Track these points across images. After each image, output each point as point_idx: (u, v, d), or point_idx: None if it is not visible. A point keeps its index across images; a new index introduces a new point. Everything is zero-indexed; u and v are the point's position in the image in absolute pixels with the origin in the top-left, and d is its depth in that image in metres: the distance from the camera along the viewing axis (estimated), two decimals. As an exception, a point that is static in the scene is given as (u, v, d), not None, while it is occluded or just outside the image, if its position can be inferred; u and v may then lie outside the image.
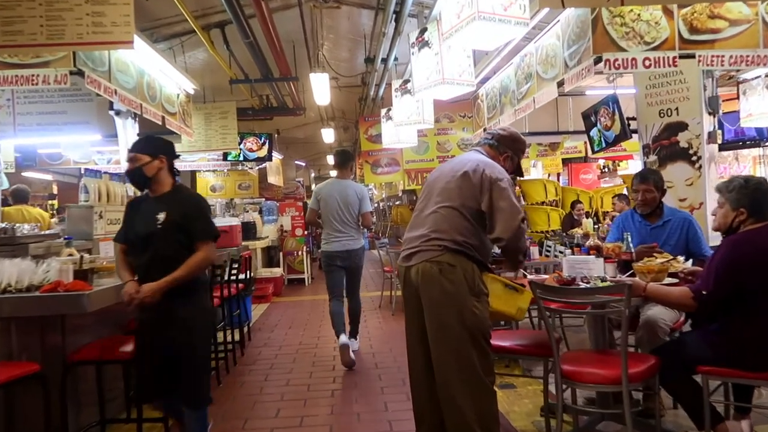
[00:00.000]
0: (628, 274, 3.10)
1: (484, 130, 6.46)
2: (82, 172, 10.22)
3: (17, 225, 3.22)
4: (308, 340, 6.04)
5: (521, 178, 10.62)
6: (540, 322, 3.71)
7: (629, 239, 3.26)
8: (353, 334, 5.47)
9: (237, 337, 5.55)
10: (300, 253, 11.09)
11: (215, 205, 13.08)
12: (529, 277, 3.47)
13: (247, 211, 10.54)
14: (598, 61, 3.73)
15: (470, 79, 4.47)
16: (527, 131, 6.99)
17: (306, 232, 11.43)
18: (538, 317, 4.12)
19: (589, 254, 3.34)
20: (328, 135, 10.96)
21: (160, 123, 5.47)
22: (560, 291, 2.73)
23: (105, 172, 4.57)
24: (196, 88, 6.50)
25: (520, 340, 3.11)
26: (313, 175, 23.01)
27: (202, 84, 8.42)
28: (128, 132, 5.38)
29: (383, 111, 7.39)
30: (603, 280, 2.85)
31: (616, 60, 3.72)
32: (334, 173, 5.79)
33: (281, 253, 10.77)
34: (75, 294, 2.80)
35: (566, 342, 4.47)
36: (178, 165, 9.39)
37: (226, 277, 5.15)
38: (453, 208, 2.71)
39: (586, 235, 7.50)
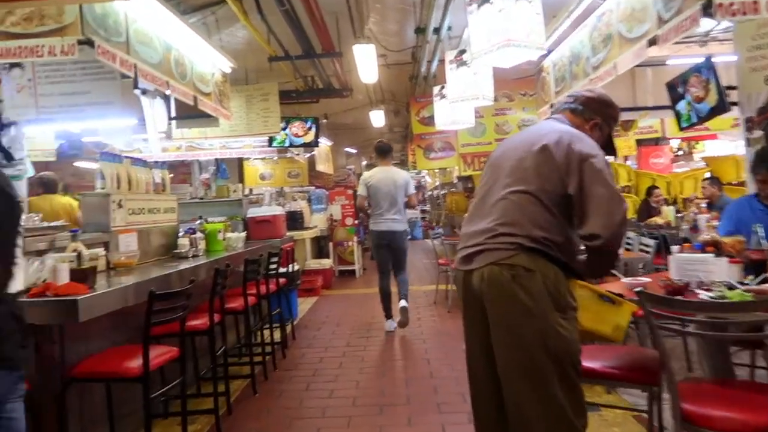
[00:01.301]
0: (760, 279, 2.35)
1: (551, 106, 5.70)
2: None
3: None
4: (356, 341, 5.50)
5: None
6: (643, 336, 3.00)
7: (761, 232, 2.51)
8: (406, 296, 5.85)
9: (278, 337, 5.07)
10: (350, 243, 10.60)
11: (264, 194, 12.80)
12: (624, 280, 2.76)
13: (295, 200, 10.10)
14: (707, 6, 2.96)
15: (540, 41, 3.75)
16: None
17: (356, 222, 10.92)
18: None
19: (704, 251, 2.60)
20: (378, 118, 10.36)
21: (191, 103, 5.00)
22: (686, 306, 2.01)
23: (127, 156, 4.09)
24: (233, 66, 6.01)
25: (614, 360, 2.42)
26: (364, 162, 22.50)
27: (244, 66, 7.99)
28: (157, 113, 4.95)
29: (436, 89, 6.73)
30: (731, 287, 2.13)
31: (732, 4, 2.94)
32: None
33: (331, 244, 10.30)
34: (64, 300, 2.32)
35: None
36: (224, 152, 9.04)
37: (264, 272, 4.67)
38: (528, 193, 2.06)
39: (667, 225, 6.65)
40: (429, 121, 8.41)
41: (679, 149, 12.28)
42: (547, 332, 1.94)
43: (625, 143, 8.82)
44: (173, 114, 6.67)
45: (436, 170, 16.11)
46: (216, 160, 10.04)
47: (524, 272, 1.97)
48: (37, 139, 6.31)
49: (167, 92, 4.61)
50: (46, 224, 3.10)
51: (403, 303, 5.76)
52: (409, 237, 6.08)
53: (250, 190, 13.62)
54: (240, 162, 11.30)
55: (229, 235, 5.07)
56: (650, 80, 6.22)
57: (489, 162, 2.32)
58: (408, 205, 5.85)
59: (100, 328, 2.88)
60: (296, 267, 6.49)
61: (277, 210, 6.54)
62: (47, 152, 6.80)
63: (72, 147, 7.81)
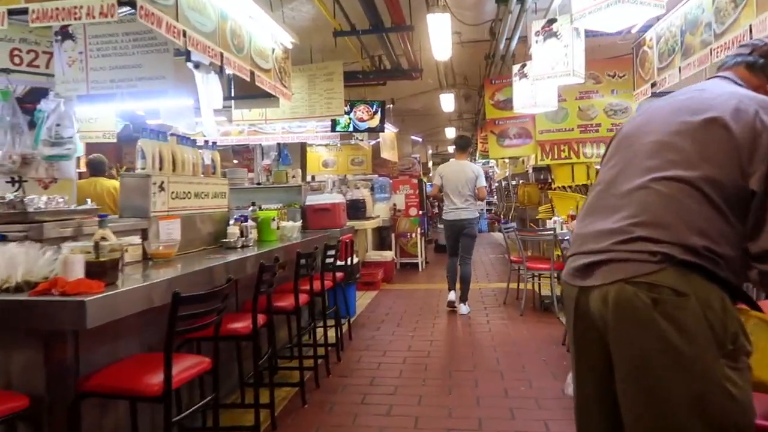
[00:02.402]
0: None
1: (653, 85, 4.93)
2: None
3: (32, 197, 2.45)
4: (419, 345, 4.97)
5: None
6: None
7: None
8: (463, 299, 6.30)
9: (333, 336, 4.61)
10: (414, 234, 10.06)
11: (326, 181, 12.45)
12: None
13: (357, 188, 9.65)
14: None
15: (657, -1, 3.06)
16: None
17: (421, 212, 10.37)
18: None
19: None
20: (448, 102, 9.72)
21: (248, 78, 4.57)
22: None
23: (172, 134, 3.70)
24: (295, 41, 5.56)
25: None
26: (430, 151, 21.88)
27: (309, 44, 7.56)
28: (212, 90, 4.55)
29: (516, 68, 6.05)
30: None
31: None
32: (451, 149, 6.90)
33: (393, 235, 9.80)
34: (70, 301, 1.90)
35: None
36: (286, 137, 8.70)
37: (319, 267, 4.20)
38: (685, 181, 1.42)
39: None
40: (504, 104, 7.72)
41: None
42: (708, 391, 1.32)
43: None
44: (232, 93, 6.33)
45: (506, 160, 15.27)
46: (278, 145, 9.73)
47: (673, 297, 1.35)
48: (99, 119, 6.11)
49: (223, 67, 4.19)
50: (71, 207, 2.74)
51: (463, 310, 6.21)
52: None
53: (312, 177, 13.31)
54: (302, 148, 10.93)
55: (283, 224, 4.64)
56: None
57: (618, 136, 1.70)
58: (477, 197, 6.28)
59: (124, 328, 2.47)
60: (356, 260, 6.02)
61: (337, 198, 6.08)
62: (107, 133, 6.60)
63: (137, 129, 7.63)
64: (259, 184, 6.95)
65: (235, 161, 14.34)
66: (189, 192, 3.69)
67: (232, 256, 3.30)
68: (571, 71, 4.51)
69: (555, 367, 4.25)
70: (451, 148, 22.06)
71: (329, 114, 7.01)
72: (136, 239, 3.00)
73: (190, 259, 3.28)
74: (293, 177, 6.53)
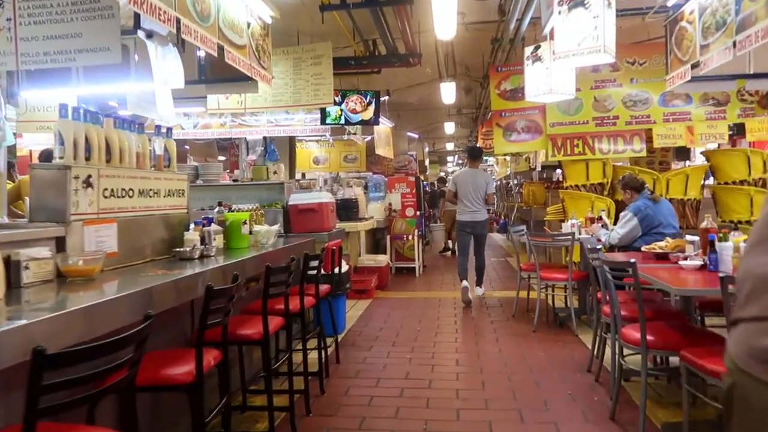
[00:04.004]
0: None
1: (694, 66, 4.19)
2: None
3: None
4: (419, 371, 4.21)
5: (710, 150, 8.00)
6: None
7: None
8: (478, 284, 7.20)
9: (318, 361, 3.84)
10: (411, 237, 9.31)
11: (317, 179, 11.68)
12: None
13: (350, 186, 8.88)
14: None
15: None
16: (752, 71, 4.61)
17: (418, 213, 9.61)
18: None
19: None
20: (449, 91, 8.94)
21: (214, 53, 3.80)
22: None
23: (107, 115, 2.91)
24: (275, 16, 4.81)
25: None
26: (427, 149, 21.11)
27: (296, 26, 6.81)
28: (169, 66, 3.78)
29: (528, 51, 5.29)
30: None
31: None
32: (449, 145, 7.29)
33: (388, 237, 9.04)
34: None
35: None
36: (272, 130, 7.91)
37: (297, 280, 3.45)
38: None
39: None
40: (512, 94, 6.96)
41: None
42: None
43: (761, 125, 7.09)
44: (201, 75, 5.56)
45: (508, 158, 14.54)
46: (264, 139, 8.96)
47: None
48: (56, 107, 5.32)
49: (180, 38, 3.42)
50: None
51: (478, 291, 7.13)
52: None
53: (303, 174, 12.56)
54: (291, 143, 10.15)
55: (257, 228, 3.87)
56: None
57: None
58: (486, 202, 6.98)
59: None
60: (345, 268, 5.26)
61: (325, 197, 5.32)
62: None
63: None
64: (236, 181, 6.18)
65: (222, 158, 13.57)
66: (131, 189, 2.92)
67: (181, 271, 2.54)
68: (601, 47, 3.75)
69: (584, 404, 3.51)
70: (449, 145, 21.40)
71: (317, 102, 6.24)
72: (45, 251, 2.23)
73: (125, 275, 2.52)
74: (275, 173, 5.77)
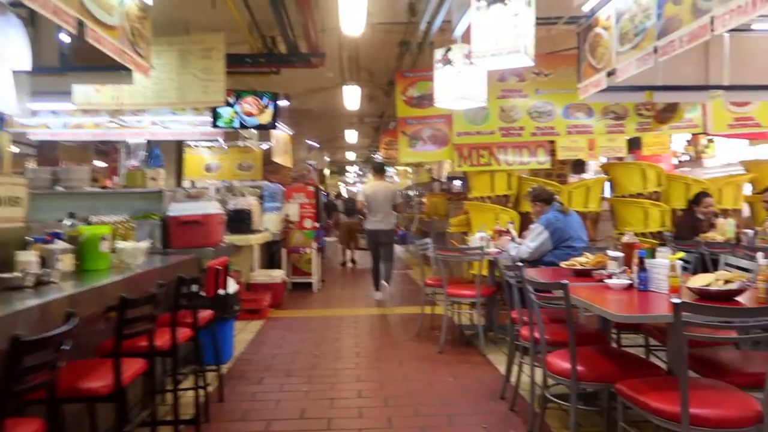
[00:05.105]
0: None
1: (609, 74, 4.03)
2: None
3: None
4: (317, 408, 3.68)
5: (611, 162, 8.14)
6: None
7: None
8: (387, 279, 7.52)
9: (195, 403, 3.20)
10: (308, 250, 8.75)
11: (209, 188, 10.80)
12: None
13: (243, 195, 8.17)
14: None
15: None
16: (660, 83, 4.56)
17: (317, 225, 9.07)
18: None
19: None
20: (352, 96, 8.50)
21: (72, 30, 3.08)
22: None
23: None
24: (154, -7, 4.13)
25: None
26: (327, 159, 20.62)
27: (186, 18, 6.07)
28: (10, 42, 3.03)
29: (438, 53, 4.95)
30: None
31: None
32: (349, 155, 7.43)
33: (284, 250, 8.42)
34: None
35: None
36: (156, 132, 7.04)
37: (168, 308, 2.81)
38: None
39: (727, 243, 5.12)
40: (419, 101, 6.66)
41: (684, 153, 10.84)
42: None
43: (656, 140, 7.27)
44: (63, 63, 4.75)
45: (409, 169, 14.39)
46: (148, 143, 8.05)
47: None
48: None
49: (28, 4, 2.71)
50: None
51: (384, 284, 7.49)
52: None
53: (192, 183, 11.62)
54: (179, 148, 9.28)
55: (121, 245, 3.19)
56: (728, 50, 4.63)
57: None
58: (396, 210, 7.56)
59: None
60: (234, 288, 4.63)
61: (212, 207, 4.67)
62: None
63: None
64: (104, 188, 5.34)
65: (103, 164, 12.28)
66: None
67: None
68: (522, 48, 3.47)
69: (503, 440, 3.15)
70: (349, 155, 21.02)
71: (206, 101, 5.57)
72: None
73: None
74: (152, 179, 5.03)
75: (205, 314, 3.48)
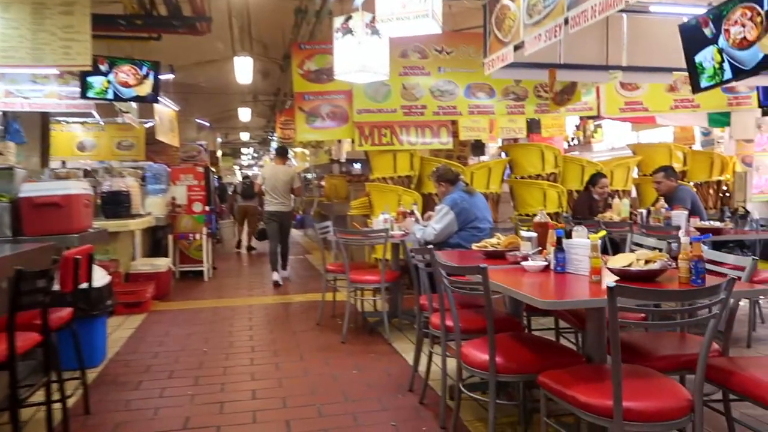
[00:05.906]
0: None
1: (517, 48, 3.84)
2: None
3: None
4: (203, 414, 3.22)
5: (510, 143, 8.14)
6: None
7: None
8: (284, 267, 7.85)
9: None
10: (198, 236, 8.08)
11: (81, 170, 9.71)
12: None
13: (123, 176, 7.34)
14: None
15: None
16: (562, 62, 4.49)
17: (208, 208, 8.40)
18: None
19: None
20: (244, 69, 7.84)
21: None
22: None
23: None
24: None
25: None
26: (219, 140, 19.52)
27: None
28: None
29: (338, 21, 4.57)
30: None
31: None
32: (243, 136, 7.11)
33: (171, 237, 7.70)
34: None
35: None
36: (12, 103, 5.95)
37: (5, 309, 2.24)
38: None
39: (624, 222, 5.21)
40: (317, 76, 6.22)
41: (573, 138, 11.25)
42: None
43: (554, 122, 7.34)
44: None
45: (307, 151, 13.88)
46: (4, 116, 6.98)
47: None
48: None
49: None
50: None
51: (284, 273, 7.76)
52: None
53: (63, 162, 10.43)
54: (44, 122, 8.18)
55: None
56: (626, 31, 4.62)
57: None
58: (294, 194, 7.70)
59: None
60: (105, 280, 4.01)
61: (76, 187, 4.00)
62: None
63: None
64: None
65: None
66: None
67: None
68: (429, 11, 3.18)
69: (413, 439, 2.88)
70: (243, 135, 20.01)
71: (68, 64, 4.80)
72: None
73: None
74: (0, 155, 4.25)
75: (63, 313, 2.89)
